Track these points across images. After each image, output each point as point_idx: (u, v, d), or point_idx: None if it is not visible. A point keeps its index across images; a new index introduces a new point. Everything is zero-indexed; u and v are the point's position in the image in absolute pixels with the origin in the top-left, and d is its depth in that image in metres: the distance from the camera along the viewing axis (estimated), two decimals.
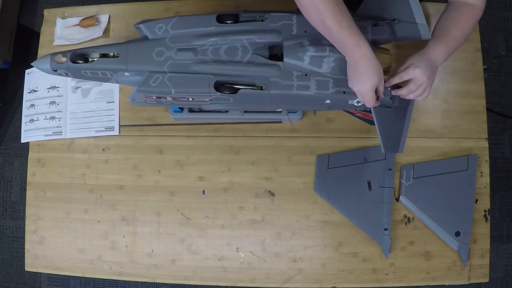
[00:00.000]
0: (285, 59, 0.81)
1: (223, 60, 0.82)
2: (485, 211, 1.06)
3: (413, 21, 0.86)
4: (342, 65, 0.81)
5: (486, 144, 1.09)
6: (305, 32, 0.83)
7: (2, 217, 1.87)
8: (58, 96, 1.18)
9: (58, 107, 1.17)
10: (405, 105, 0.88)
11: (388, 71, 0.85)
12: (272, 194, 1.09)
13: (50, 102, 1.18)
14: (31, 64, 0.89)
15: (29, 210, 1.14)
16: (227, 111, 1.07)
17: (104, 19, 1.20)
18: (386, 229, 1.03)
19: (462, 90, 1.12)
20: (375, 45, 0.84)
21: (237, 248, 1.08)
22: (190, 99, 0.84)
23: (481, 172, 1.08)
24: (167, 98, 0.84)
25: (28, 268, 1.13)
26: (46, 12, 1.25)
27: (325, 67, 0.81)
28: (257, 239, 1.08)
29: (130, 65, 0.83)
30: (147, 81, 0.82)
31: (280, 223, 1.08)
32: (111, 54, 0.84)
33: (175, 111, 1.08)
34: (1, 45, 1.89)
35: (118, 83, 0.88)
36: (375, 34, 0.84)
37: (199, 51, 0.82)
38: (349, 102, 0.83)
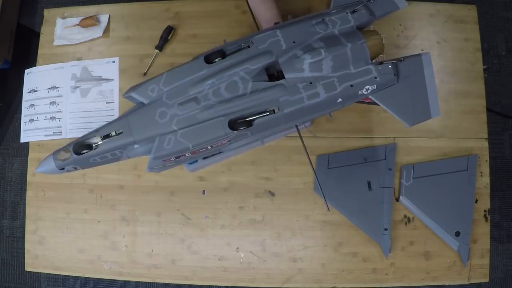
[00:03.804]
0: (286, 75, 0.79)
1: (227, 98, 0.79)
2: (485, 211, 1.06)
3: None
4: (340, 61, 0.81)
5: (486, 144, 1.09)
6: (294, 42, 0.82)
7: (2, 217, 1.87)
8: (58, 96, 1.18)
9: (58, 107, 1.17)
10: (416, 69, 0.85)
11: (382, 51, 0.85)
12: (272, 194, 1.09)
13: (50, 102, 1.18)
14: (35, 171, 0.83)
15: (29, 210, 1.14)
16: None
17: (104, 19, 1.20)
18: (386, 229, 1.03)
19: (462, 90, 1.12)
20: (361, 30, 0.84)
21: (237, 248, 1.08)
22: (209, 147, 0.81)
23: (481, 172, 1.08)
24: (186, 154, 0.81)
25: (28, 268, 1.13)
26: (46, 12, 1.25)
27: (325, 69, 0.80)
28: (257, 239, 1.08)
29: (137, 136, 0.79)
30: (160, 145, 0.78)
31: (280, 223, 1.08)
32: (113, 133, 0.80)
33: (189, 163, 1.05)
34: (1, 45, 1.89)
35: (129, 157, 0.83)
36: (357, 20, 0.84)
37: (200, 98, 0.79)
38: (359, 93, 0.82)
